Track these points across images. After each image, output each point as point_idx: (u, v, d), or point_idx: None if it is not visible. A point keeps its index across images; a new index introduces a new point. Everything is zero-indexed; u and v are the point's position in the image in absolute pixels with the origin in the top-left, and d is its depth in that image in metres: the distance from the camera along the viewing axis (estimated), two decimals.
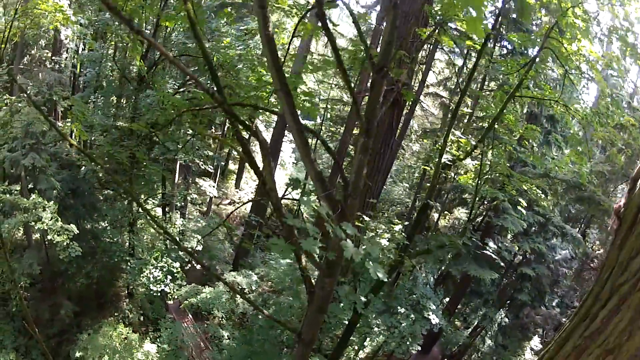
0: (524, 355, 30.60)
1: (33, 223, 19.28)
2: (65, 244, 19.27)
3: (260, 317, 19.89)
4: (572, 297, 30.55)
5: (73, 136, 27.75)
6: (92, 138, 27.24)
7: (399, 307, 18.01)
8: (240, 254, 30.99)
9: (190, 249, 24.83)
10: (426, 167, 22.40)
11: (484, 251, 22.22)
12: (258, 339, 19.15)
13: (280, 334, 19.84)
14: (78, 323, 24.54)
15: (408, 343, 17.44)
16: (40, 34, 28.93)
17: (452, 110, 13.30)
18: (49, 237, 19.40)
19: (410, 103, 25.77)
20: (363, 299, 9.85)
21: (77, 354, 22.15)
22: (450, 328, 19.90)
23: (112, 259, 24.83)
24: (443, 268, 27.89)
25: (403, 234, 9.63)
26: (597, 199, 24.69)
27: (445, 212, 34.59)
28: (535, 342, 30.30)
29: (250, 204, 32.80)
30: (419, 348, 18.14)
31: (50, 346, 23.71)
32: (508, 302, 28.09)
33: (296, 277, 21.19)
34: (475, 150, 11.22)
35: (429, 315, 18.01)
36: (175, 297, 24.05)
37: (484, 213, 26.74)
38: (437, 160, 8.62)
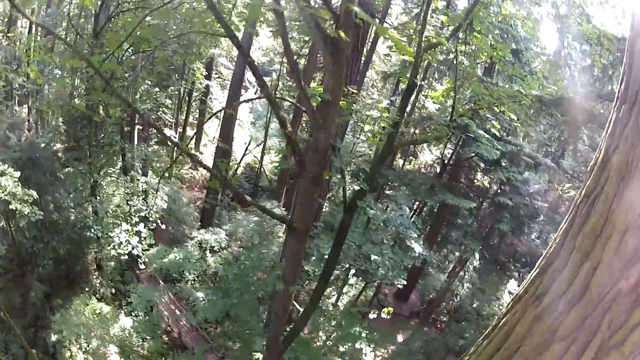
0: (502, 298, 30.46)
1: None
2: (26, 211, 18.25)
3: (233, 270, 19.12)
4: (549, 231, 30.20)
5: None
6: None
7: (382, 239, 17.39)
8: (207, 216, 30.17)
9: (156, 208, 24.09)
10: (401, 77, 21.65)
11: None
12: (234, 289, 18.38)
13: (255, 283, 19.22)
14: (50, 306, 23.58)
15: (393, 273, 16.78)
16: None
17: None
18: (11, 206, 18.28)
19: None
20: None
21: (53, 338, 21.35)
22: (434, 258, 19.29)
23: (76, 227, 23.82)
24: (417, 203, 27.53)
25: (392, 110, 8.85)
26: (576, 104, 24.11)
27: (411, 157, 34.02)
28: (513, 286, 29.95)
29: (211, 165, 32.05)
30: (405, 282, 17.41)
31: (28, 337, 22.89)
32: (487, 231, 27.72)
33: (265, 232, 20.58)
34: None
35: (410, 244, 17.37)
36: (145, 261, 23.04)
37: (453, 148, 26.31)
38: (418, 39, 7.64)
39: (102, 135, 26.88)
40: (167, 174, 29.48)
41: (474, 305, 29.88)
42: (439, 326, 30.45)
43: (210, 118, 14.77)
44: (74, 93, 23.86)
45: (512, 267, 28.95)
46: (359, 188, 6.71)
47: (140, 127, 28.88)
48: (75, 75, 24.07)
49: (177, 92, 35.45)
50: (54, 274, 24.67)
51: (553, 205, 32.75)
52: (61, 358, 23.07)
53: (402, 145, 8.86)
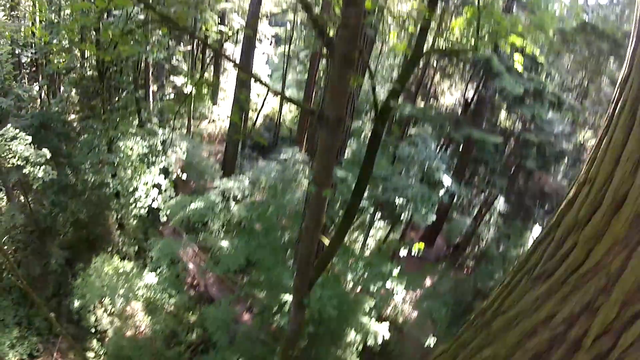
0: (526, 245, 30.11)
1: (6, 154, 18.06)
2: (40, 173, 18.04)
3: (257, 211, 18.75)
4: (575, 174, 29.46)
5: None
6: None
7: (409, 172, 16.95)
8: (228, 167, 30.17)
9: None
10: None
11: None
12: (258, 232, 18.09)
13: (278, 225, 18.90)
14: (73, 272, 23.60)
15: (422, 206, 16.31)
16: None
17: None
18: (24, 170, 18.26)
19: None
20: None
21: (76, 304, 21.21)
22: (463, 191, 18.84)
23: (94, 188, 23.74)
24: (442, 140, 27.08)
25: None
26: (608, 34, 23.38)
27: (432, 98, 33.35)
28: (537, 232, 29.50)
29: (228, 122, 31.70)
30: (434, 218, 16.94)
31: (52, 307, 22.99)
32: (513, 170, 27.16)
33: (288, 178, 20.16)
34: None
35: (439, 176, 16.89)
36: (166, 213, 22.74)
37: (475, 88, 25.69)
38: None
39: (117, 98, 26.70)
40: (182, 111, 29.12)
41: (500, 250, 29.60)
42: (465, 271, 30.17)
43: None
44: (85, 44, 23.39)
45: (537, 213, 28.36)
46: (391, 89, 6.16)
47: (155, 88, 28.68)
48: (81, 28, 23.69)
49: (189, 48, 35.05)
50: (75, 239, 24.70)
51: (577, 150, 32.16)
52: (86, 324, 23.06)
53: (432, 52, 8.38)
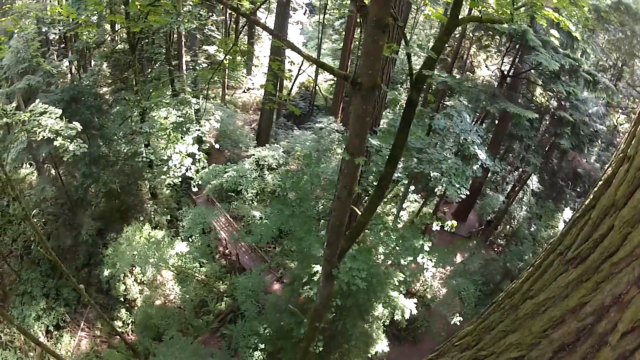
0: (557, 227, 29.81)
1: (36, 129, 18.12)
2: (71, 147, 18.13)
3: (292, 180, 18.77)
4: (609, 157, 28.96)
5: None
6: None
7: (444, 144, 16.76)
8: (262, 136, 30.13)
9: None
10: None
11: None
12: (292, 200, 18.13)
13: (313, 193, 18.84)
14: (104, 242, 23.91)
15: (459, 185, 16.14)
16: None
17: None
18: (56, 143, 18.18)
19: None
20: None
21: (106, 273, 21.65)
22: (498, 167, 18.57)
23: (127, 158, 23.93)
24: (478, 114, 26.82)
25: None
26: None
27: (467, 72, 33.03)
28: (568, 215, 29.18)
29: (263, 91, 31.61)
30: (467, 192, 16.75)
31: (81, 277, 23.51)
32: (548, 148, 26.81)
33: (322, 148, 20.08)
34: None
35: (474, 149, 16.69)
36: (198, 183, 22.85)
37: (511, 61, 25.38)
38: None
39: (150, 70, 26.81)
40: (216, 80, 29.08)
41: (531, 230, 29.37)
42: (496, 249, 30.00)
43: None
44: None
45: (568, 196, 27.98)
46: (426, 57, 6.05)
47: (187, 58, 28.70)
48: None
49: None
50: (107, 210, 25.08)
51: (611, 132, 31.64)
52: (116, 293, 23.41)
53: (468, 20, 8.14)
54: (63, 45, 30.39)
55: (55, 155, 20.91)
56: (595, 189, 3.46)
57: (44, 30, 25.49)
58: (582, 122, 23.98)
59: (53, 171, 24.18)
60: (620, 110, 32.49)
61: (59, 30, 26.45)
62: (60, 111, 18.13)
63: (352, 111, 6.07)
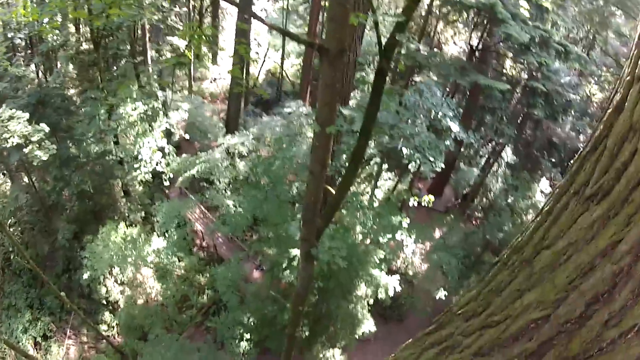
0: (534, 197, 29.86)
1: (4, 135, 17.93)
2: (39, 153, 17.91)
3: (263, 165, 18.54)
4: (583, 126, 28.98)
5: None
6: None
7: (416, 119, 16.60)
8: (231, 124, 30.13)
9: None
10: None
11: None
12: (264, 186, 17.94)
13: (289, 188, 18.70)
14: (81, 246, 23.58)
15: (432, 159, 15.99)
16: None
17: None
18: (25, 150, 18.26)
19: None
20: None
21: (85, 276, 21.20)
22: (472, 138, 18.40)
23: (97, 157, 23.69)
24: (448, 89, 26.79)
25: None
26: None
27: (435, 49, 32.91)
28: (545, 185, 29.32)
29: (230, 79, 31.40)
30: (442, 165, 16.60)
31: (62, 283, 23.31)
32: (521, 119, 26.90)
33: (293, 132, 19.86)
34: None
35: (447, 122, 16.56)
36: (170, 177, 22.54)
37: (480, 36, 25.29)
38: None
39: (115, 67, 26.45)
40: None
41: (509, 201, 29.43)
42: (474, 222, 30.09)
43: None
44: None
45: (544, 166, 28.07)
46: (396, 22, 5.78)
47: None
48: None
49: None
50: (81, 212, 24.89)
51: (584, 102, 31.76)
52: (97, 296, 23.22)
53: None
54: (30, 50, 29.89)
55: (27, 161, 20.60)
56: (605, 118, 3.08)
57: (9, 35, 24.96)
58: (555, 92, 24.02)
59: (26, 178, 23.78)
60: (593, 81, 32.66)
61: (24, 34, 26.02)
62: (27, 115, 18.09)
63: (320, 80, 5.87)
